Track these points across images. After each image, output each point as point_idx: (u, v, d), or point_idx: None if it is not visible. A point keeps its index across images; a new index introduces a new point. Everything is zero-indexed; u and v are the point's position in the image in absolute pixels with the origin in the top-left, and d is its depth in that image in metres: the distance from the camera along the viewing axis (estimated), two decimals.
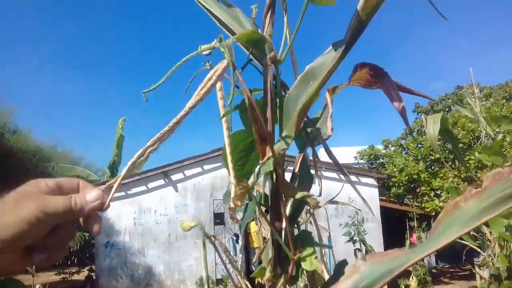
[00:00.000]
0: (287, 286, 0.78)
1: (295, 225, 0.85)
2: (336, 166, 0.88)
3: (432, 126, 1.52)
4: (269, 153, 0.77)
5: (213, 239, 0.78)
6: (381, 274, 0.63)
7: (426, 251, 0.61)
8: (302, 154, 0.90)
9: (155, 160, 16.80)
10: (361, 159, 17.07)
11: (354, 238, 9.11)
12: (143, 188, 11.73)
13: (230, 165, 0.76)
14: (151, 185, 11.75)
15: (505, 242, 1.95)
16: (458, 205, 0.60)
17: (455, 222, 0.60)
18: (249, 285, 0.90)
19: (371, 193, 12.14)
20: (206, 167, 11.96)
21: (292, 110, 0.78)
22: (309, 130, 0.93)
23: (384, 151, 17.09)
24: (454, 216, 0.60)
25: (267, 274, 0.80)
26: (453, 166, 13.73)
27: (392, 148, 17.09)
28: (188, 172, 11.94)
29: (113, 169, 16.10)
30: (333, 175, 11.70)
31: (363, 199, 0.84)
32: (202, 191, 11.72)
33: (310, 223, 1.96)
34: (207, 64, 0.85)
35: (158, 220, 11.61)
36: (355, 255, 9.12)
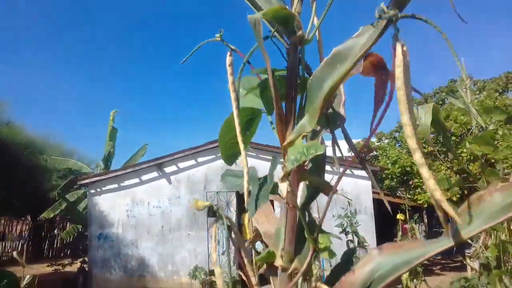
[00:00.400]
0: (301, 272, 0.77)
1: (307, 212, 0.85)
2: (352, 151, 0.86)
3: (424, 116, 1.50)
4: (290, 136, 0.75)
5: (226, 219, 0.77)
6: (397, 264, 0.62)
7: (446, 244, 0.60)
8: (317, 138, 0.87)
9: (148, 152, 16.72)
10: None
11: (347, 229, 9.14)
12: (136, 180, 11.68)
13: (241, 144, 0.75)
14: (144, 177, 11.71)
15: (495, 232, 1.96)
16: (483, 198, 0.59)
17: (479, 215, 0.58)
18: (250, 274, 0.89)
19: (364, 185, 12.17)
20: (200, 159, 11.93)
21: (316, 93, 0.74)
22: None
23: (377, 144, 17.15)
24: (478, 209, 0.59)
25: (278, 259, 0.79)
26: (446, 158, 13.81)
27: (386, 141, 17.15)
28: (182, 165, 11.91)
29: (108, 161, 16.02)
30: (326, 167, 11.72)
31: (379, 190, 0.82)
32: (195, 184, 11.70)
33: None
34: (218, 35, 0.83)
35: (152, 212, 11.58)
36: (348, 246, 9.18)
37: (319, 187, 0.79)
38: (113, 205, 11.48)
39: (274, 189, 0.91)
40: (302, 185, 0.87)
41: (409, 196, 14.08)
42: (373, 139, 17.49)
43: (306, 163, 0.84)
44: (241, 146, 0.75)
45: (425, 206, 14.17)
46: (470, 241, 2.77)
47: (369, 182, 12.25)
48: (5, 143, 11.75)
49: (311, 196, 0.85)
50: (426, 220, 17.30)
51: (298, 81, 0.81)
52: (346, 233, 9.07)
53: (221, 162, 12.42)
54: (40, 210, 14.04)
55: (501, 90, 18.58)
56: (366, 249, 9.82)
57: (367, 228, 11.38)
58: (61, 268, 14.02)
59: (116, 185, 11.57)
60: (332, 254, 0.78)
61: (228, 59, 0.75)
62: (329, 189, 0.81)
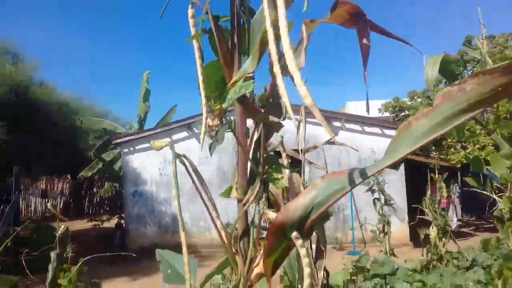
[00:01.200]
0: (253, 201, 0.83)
1: (264, 149, 0.88)
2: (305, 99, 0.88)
3: (432, 67, 1.47)
4: (235, 77, 0.78)
5: (183, 158, 0.82)
6: (335, 190, 0.66)
7: (379, 167, 0.64)
8: (271, 84, 0.90)
9: (179, 113, 16.95)
10: (385, 111, 16.73)
11: (373, 188, 9.15)
12: (167, 139, 11.94)
13: (202, 92, 0.79)
14: (175, 137, 11.95)
15: (509, 184, 1.94)
16: (410, 124, 0.62)
17: (406, 139, 0.62)
18: (218, 224, 0.95)
19: None
20: (229, 119, 12.03)
21: (257, 35, 0.77)
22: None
23: (409, 103, 16.70)
24: (405, 134, 0.63)
25: (233, 192, 0.85)
26: (482, 118, 13.34)
27: (419, 100, 16.66)
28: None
29: (142, 122, 16.40)
30: (357, 127, 11.60)
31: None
32: (224, 143, 11.62)
33: (311, 163, 2.00)
34: None
35: (183, 171, 11.85)
36: (374, 204, 9.22)
37: (270, 125, 0.83)
38: (146, 164, 11.85)
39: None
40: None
41: (442, 156, 13.80)
42: (405, 98, 17.00)
43: (263, 105, 0.88)
44: (202, 93, 0.80)
45: (459, 166, 13.88)
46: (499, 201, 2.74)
47: None
48: (40, 103, 12.01)
49: (265, 134, 0.89)
50: (459, 181, 16.97)
51: (246, 27, 0.83)
52: (373, 191, 9.09)
53: (249, 122, 12.44)
54: (79, 169, 14.65)
55: None
56: (393, 207, 9.85)
57: (396, 188, 11.33)
58: (100, 224, 14.82)
59: (148, 145, 11.89)
60: (280, 184, 0.82)
61: (190, 11, 0.78)
62: (278, 127, 0.85)
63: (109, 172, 14.58)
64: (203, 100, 0.81)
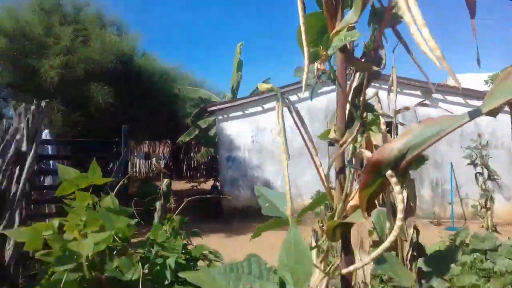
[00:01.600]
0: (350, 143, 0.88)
1: (361, 97, 0.92)
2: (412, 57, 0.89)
3: None
4: (338, 27, 0.82)
5: (288, 102, 0.89)
6: (430, 134, 0.68)
7: (476, 114, 0.65)
8: (373, 35, 0.92)
9: (271, 82, 17.13)
10: (492, 83, 15.28)
11: (476, 161, 8.54)
12: (259, 108, 12.19)
13: (304, 41, 0.85)
14: (266, 106, 12.15)
15: None
16: (510, 74, 0.64)
17: (504, 88, 0.64)
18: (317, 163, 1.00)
19: (502, 119, 10.94)
20: (321, 90, 11.90)
21: None
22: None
23: None
24: (504, 83, 0.65)
25: (332, 133, 0.90)
26: None
27: None
28: (303, 95, 12.04)
29: (235, 91, 16.96)
30: (459, 99, 10.80)
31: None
32: (316, 113, 11.80)
33: (402, 124, 1.97)
34: None
35: (275, 139, 12.12)
36: (476, 179, 8.64)
37: (371, 74, 0.86)
38: (239, 131, 12.26)
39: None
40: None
41: None
42: None
43: (366, 55, 0.90)
44: (304, 42, 0.84)
45: None
46: None
47: (508, 116, 11.00)
48: (142, 71, 12.86)
49: (362, 82, 0.92)
50: None
51: None
52: (475, 165, 8.50)
53: None
54: (177, 134, 15.61)
55: None
56: (497, 183, 9.13)
57: (503, 164, 10.47)
58: (197, 185, 15.84)
59: (241, 113, 12.25)
60: (377, 127, 0.85)
61: None
62: (377, 76, 0.87)
63: (204, 138, 15.35)
64: (305, 48, 0.86)
